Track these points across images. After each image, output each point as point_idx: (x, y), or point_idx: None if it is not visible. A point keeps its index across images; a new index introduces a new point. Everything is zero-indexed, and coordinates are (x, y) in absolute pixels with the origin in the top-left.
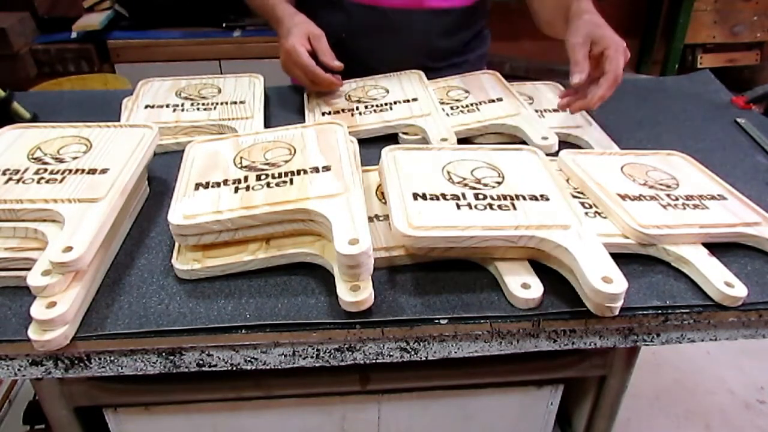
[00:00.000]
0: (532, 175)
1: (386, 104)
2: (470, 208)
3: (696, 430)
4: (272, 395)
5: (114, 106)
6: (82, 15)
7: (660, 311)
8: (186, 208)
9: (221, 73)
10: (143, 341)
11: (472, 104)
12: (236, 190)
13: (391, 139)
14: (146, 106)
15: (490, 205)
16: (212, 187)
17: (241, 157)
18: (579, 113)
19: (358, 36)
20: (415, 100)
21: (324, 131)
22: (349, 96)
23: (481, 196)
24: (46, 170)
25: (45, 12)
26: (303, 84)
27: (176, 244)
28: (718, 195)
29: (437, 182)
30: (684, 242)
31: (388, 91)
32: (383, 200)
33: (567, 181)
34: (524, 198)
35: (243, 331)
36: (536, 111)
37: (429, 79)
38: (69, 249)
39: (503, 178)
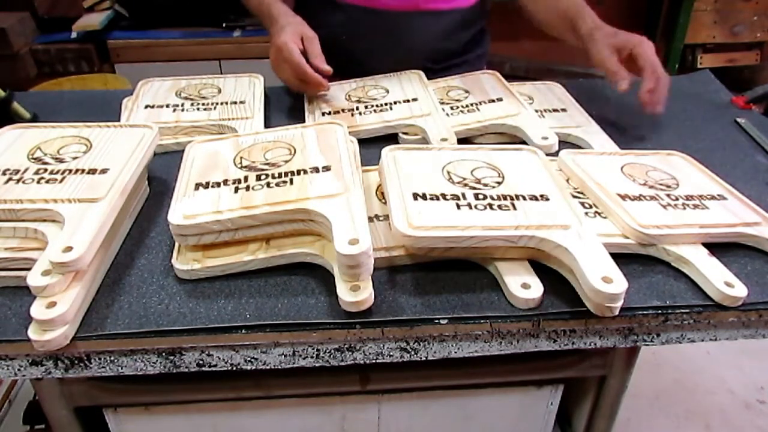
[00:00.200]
0: (532, 175)
1: (386, 104)
2: (470, 208)
3: (696, 430)
4: (272, 395)
5: (114, 106)
6: (82, 15)
7: (660, 311)
8: (186, 208)
9: (221, 73)
10: (143, 341)
11: (472, 104)
12: (236, 190)
13: (391, 139)
14: (146, 106)
15: (490, 205)
16: (212, 187)
17: (241, 157)
18: (579, 113)
19: (357, 38)
20: (415, 100)
21: (324, 131)
22: (349, 96)
23: (481, 196)
24: (46, 170)
25: (45, 12)
26: (290, 84)
27: (176, 244)
28: (718, 195)
29: (437, 182)
30: (684, 242)
31: (388, 91)
32: (383, 200)
33: (567, 181)
34: (524, 198)
35: (243, 331)
36: (536, 111)
37: (429, 79)
38: (69, 249)
39: (503, 178)
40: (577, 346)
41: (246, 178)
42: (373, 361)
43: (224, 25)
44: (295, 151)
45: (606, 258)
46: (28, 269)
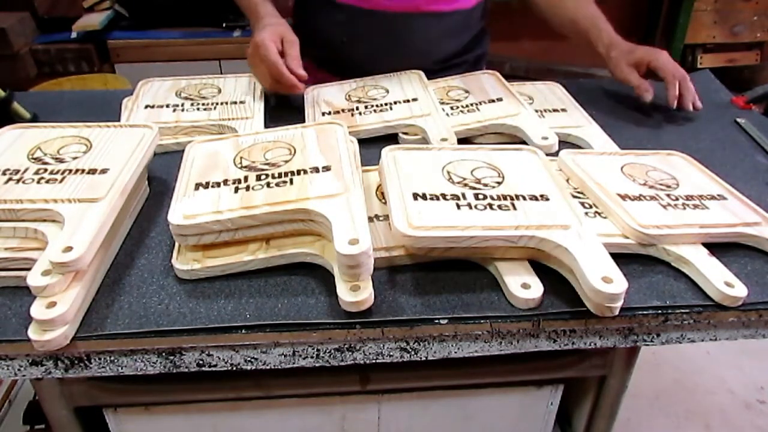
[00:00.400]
0: (532, 175)
1: (386, 104)
2: (470, 208)
3: (696, 430)
4: (272, 395)
5: (114, 106)
6: (82, 15)
7: (660, 311)
8: (186, 208)
9: (221, 73)
10: (143, 341)
11: (472, 104)
12: (236, 190)
13: (391, 139)
14: (146, 106)
15: (490, 205)
16: (212, 187)
17: (241, 157)
18: (579, 113)
19: (357, 39)
20: (415, 100)
21: (324, 131)
22: (349, 96)
23: (481, 196)
24: (46, 170)
25: (45, 12)
26: (263, 83)
27: (176, 244)
28: (718, 195)
29: (437, 182)
30: (684, 242)
31: (388, 91)
32: (383, 200)
33: (567, 181)
34: (524, 198)
35: (243, 331)
36: (536, 111)
37: (429, 79)
38: (69, 249)
39: (503, 178)
40: (577, 346)
41: (246, 178)
42: (373, 361)
43: (224, 25)
44: (295, 151)
45: (606, 258)
46: (28, 269)
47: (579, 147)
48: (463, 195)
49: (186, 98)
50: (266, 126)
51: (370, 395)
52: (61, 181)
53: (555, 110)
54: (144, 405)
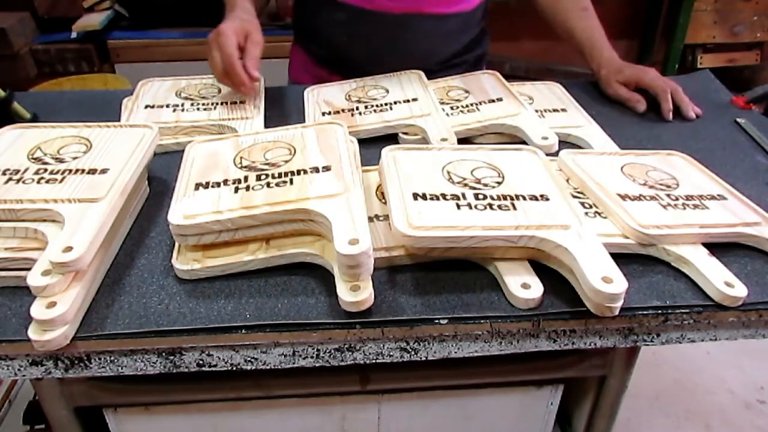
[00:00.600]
0: (532, 175)
1: (386, 104)
2: (470, 208)
3: (696, 430)
4: (272, 395)
5: (114, 106)
6: (82, 15)
7: (660, 311)
8: (186, 208)
9: None
10: (143, 341)
11: (472, 104)
12: (236, 190)
13: (391, 139)
14: (146, 106)
15: (490, 205)
16: (212, 187)
17: (241, 157)
18: (579, 113)
19: (358, 39)
20: (415, 100)
21: (324, 131)
22: (349, 96)
23: (481, 196)
24: (46, 170)
25: (45, 12)
26: (214, 72)
27: (176, 244)
28: (718, 195)
29: (437, 182)
30: (684, 242)
31: (388, 91)
32: (383, 200)
33: (567, 181)
34: (524, 198)
35: (243, 331)
36: (536, 111)
37: (429, 79)
38: (69, 249)
39: (503, 178)
40: (577, 346)
41: (246, 178)
42: (373, 361)
43: None
44: (295, 151)
45: (606, 258)
46: (28, 269)
47: (579, 147)
48: (463, 195)
49: (186, 98)
50: (266, 126)
51: (370, 395)
52: (61, 181)
53: (555, 110)
54: (144, 405)
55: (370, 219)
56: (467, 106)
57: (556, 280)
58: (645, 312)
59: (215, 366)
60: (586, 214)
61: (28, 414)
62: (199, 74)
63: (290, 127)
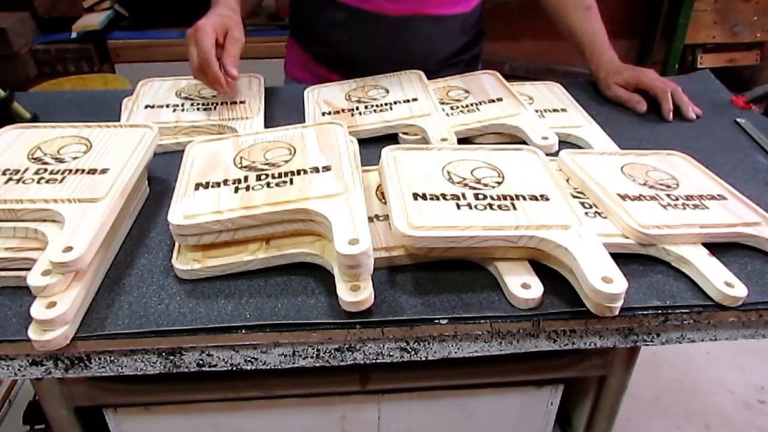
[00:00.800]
0: (532, 175)
1: (386, 104)
2: (470, 208)
3: (696, 430)
4: (272, 395)
5: (114, 106)
6: (82, 15)
7: (660, 311)
8: (186, 208)
9: None
10: (143, 341)
11: (472, 104)
12: (236, 190)
13: (391, 139)
14: (146, 106)
15: (490, 205)
16: (212, 187)
17: (241, 157)
18: (579, 113)
19: (357, 40)
20: (415, 100)
21: (324, 131)
22: (349, 96)
23: (481, 196)
24: (46, 170)
25: (45, 12)
26: (191, 68)
27: (176, 244)
28: (718, 195)
29: (437, 182)
30: (684, 242)
31: (388, 91)
32: (383, 200)
33: (567, 181)
34: (524, 198)
35: (243, 331)
36: (536, 111)
37: (427, 79)
38: (69, 249)
39: (503, 178)
40: (577, 346)
41: (246, 178)
42: (373, 361)
43: None
44: (295, 151)
45: (606, 258)
46: (28, 269)
47: (579, 147)
48: (463, 195)
49: (186, 98)
50: (266, 126)
51: (370, 395)
52: (61, 181)
53: (555, 110)
54: (144, 405)
55: (370, 219)
56: (467, 106)
57: (556, 280)
58: (645, 312)
59: (215, 366)
60: (586, 214)
61: (28, 414)
62: None
63: (290, 127)
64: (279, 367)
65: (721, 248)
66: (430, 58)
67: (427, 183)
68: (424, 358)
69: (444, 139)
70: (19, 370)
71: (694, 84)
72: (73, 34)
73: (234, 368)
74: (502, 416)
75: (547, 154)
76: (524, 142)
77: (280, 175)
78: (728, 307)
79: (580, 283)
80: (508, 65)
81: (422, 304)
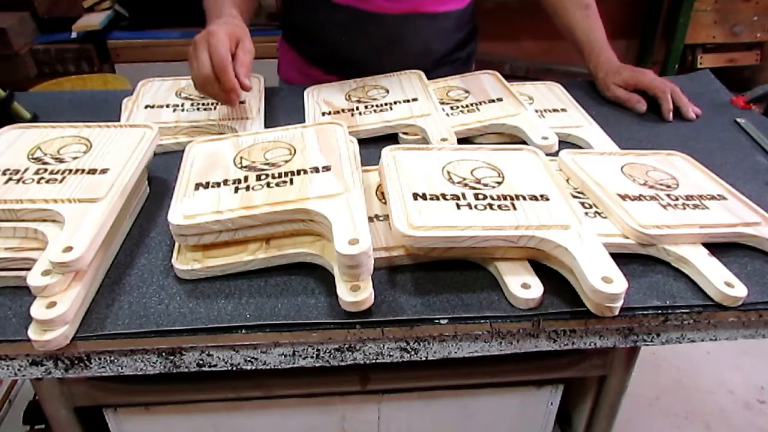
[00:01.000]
0: (532, 175)
1: (386, 104)
2: (470, 208)
3: (696, 430)
4: (272, 395)
5: (114, 106)
6: (82, 15)
7: (660, 311)
8: (186, 208)
9: None
10: (143, 341)
11: (472, 104)
12: (236, 190)
13: (391, 139)
14: (146, 106)
15: (490, 205)
16: (212, 187)
17: (241, 157)
18: (579, 113)
19: (355, 40)
20: (415, 100)
21: (324, 131)
22: (349, 96)
23: (481, 196)
24: (46, 170)
25: (45, 12)
26: (199, 77)
27: (176, 244)
28: (718, 195)
29: (437, 182)
30: (684, 242)
31: (388, 91)
32: (383, 200)
33: (567, 181)
34: (524, 198)
35: (243, 331)
36: (536, 111)
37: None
38: (69, 249)
39: (503, 178)
40: (577, 346)
41: (246, 178)
42: (373, 361)
43: None
44: (295, 151)
45: (606, 258)
46: (28, 269)
47: (579, 147)
48: (463, 195)
49: (186, 98)
50: (266, 126)
51: (370, 395)
52: (61, 181)
53: (555, 110)
54: (144, 405)
55: (370, 219)
56: (467, 106)
57: (556, 280)
58: (645, 312)
59: (215, 366)
60: (586, 214)
61: (28, 414)
62: None
63: (290, 127)
64: (279, 367)
65: (721, 248)
66: (426, 56)
67: (427, 183)
68: (424, 358)
69: (444, 139)
70: (19, 370)
71: (694, 84)
72: (73, 34)
73: (234, 368)
74: (502, 416)
75: (547, 154)
76: (524, 142)
77: (280, 175)
78: (728, 307)
79: (580, 283)
80: (508, 65)
81: (422, 304)
